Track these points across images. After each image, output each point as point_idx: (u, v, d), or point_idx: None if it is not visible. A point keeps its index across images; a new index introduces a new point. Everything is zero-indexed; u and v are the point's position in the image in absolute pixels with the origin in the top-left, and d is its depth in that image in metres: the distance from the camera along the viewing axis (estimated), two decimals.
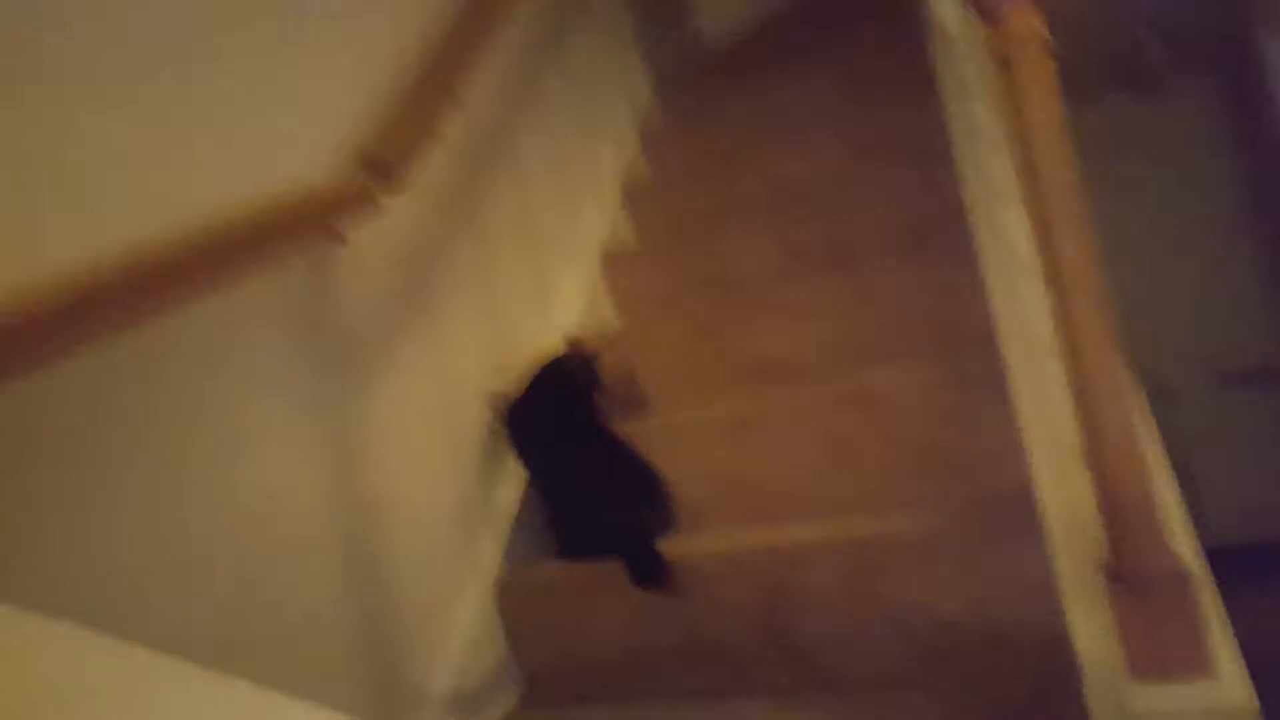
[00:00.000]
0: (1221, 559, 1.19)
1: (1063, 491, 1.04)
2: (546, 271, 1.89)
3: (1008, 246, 1.36)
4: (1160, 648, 0.78)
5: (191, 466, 0.98)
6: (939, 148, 1.75)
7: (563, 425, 1.50)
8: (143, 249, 0.90)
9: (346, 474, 1.21)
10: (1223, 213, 3.85)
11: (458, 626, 1.33)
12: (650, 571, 1.28)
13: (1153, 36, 3.29)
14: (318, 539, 1.13)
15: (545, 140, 2.00)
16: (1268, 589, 0.80)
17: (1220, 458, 3.54)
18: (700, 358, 1.72)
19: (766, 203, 2.04)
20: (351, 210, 1.21)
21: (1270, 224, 3.81)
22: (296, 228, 1.10)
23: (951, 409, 1.31)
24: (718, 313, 1.74)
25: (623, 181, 2.28)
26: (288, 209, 1.09)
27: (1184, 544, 0.85)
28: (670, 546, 1.33)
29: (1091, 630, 0.92)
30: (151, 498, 0.92)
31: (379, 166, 1.26)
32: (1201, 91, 3.84)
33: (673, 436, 1.53)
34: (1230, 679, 0.78)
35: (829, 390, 1.43)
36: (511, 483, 1.56)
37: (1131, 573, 0.81)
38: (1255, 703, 0.76)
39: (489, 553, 1.45)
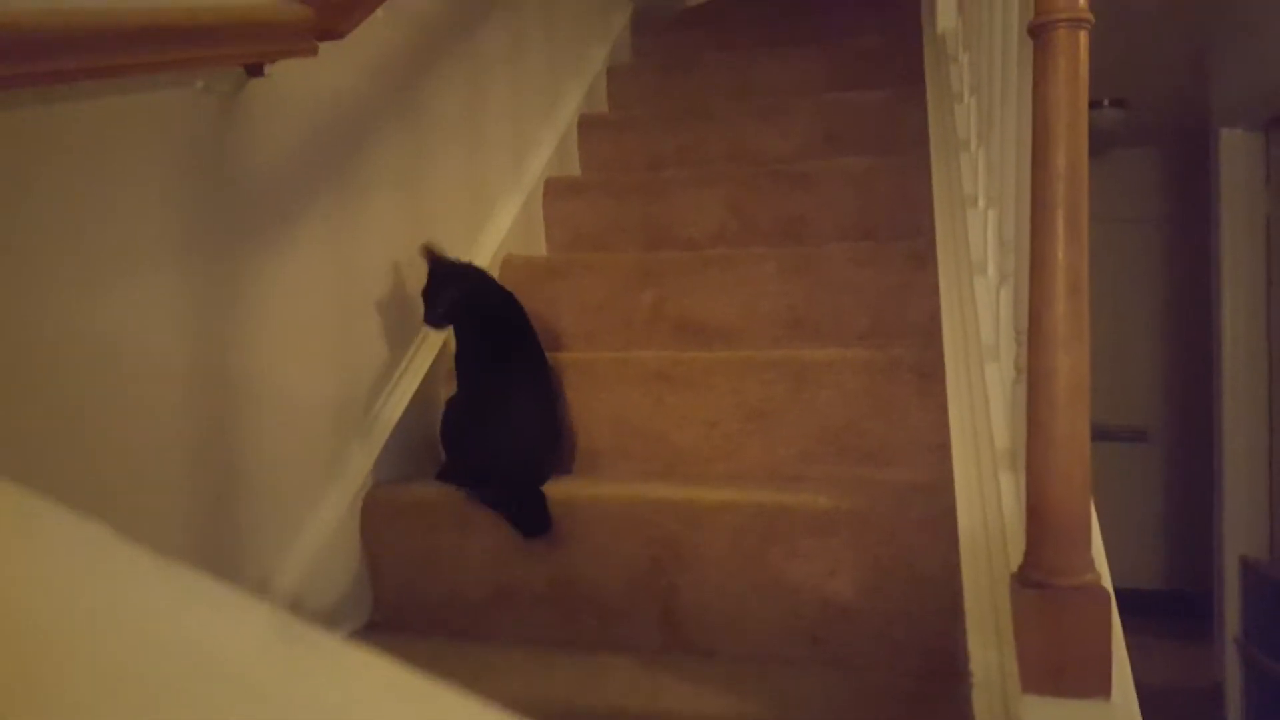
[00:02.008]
0: None
1: (982, 496, 1.00)
2: (485, 183, 1.76)
3: (965, 248, 1.32)
4: (1063, 662, 0.75)
5: (43, 286, 0.83)
6: (912, 141, 1.72)
7: (505, 345, 1.38)
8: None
9: (219, 342, 1.06)
10: (1133, 279, 4.04)
11: (310, 534, 1.21)
12: (535, 521, 1.20)
13: (1110, 103, 3.39)
14: (173, 404, 0.99)
15: (508, 47, 1.87)
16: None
17: None
18: (628, 304, 1.64)
19: (726, 164, 1.96)
20: (277, 39, 1.05)
21: (1176, 297, 4.01)
22: (213, 35, 0.95)
23: (880, 397, 1.28)
24: (655, 262, 1.66)
25: (581, 112, 2.17)
26: (207, 14, 0.94)
27: (1103, 564, 0.82)
28: (561, 488, 1.25)
29: (988, 635, 0.89)
30: None
31: (317, 1, 1.11)
32: (1141, 161, 4.01)
33: (586, 375, 1.44)
34: (1123, 702, 0.75)
35: (757, 356, 1.37)
36: (398, 394, 1.43)
37: (1048, 582, 0.77)
38: None
39: (358, 462, 1.32)
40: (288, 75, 1.13)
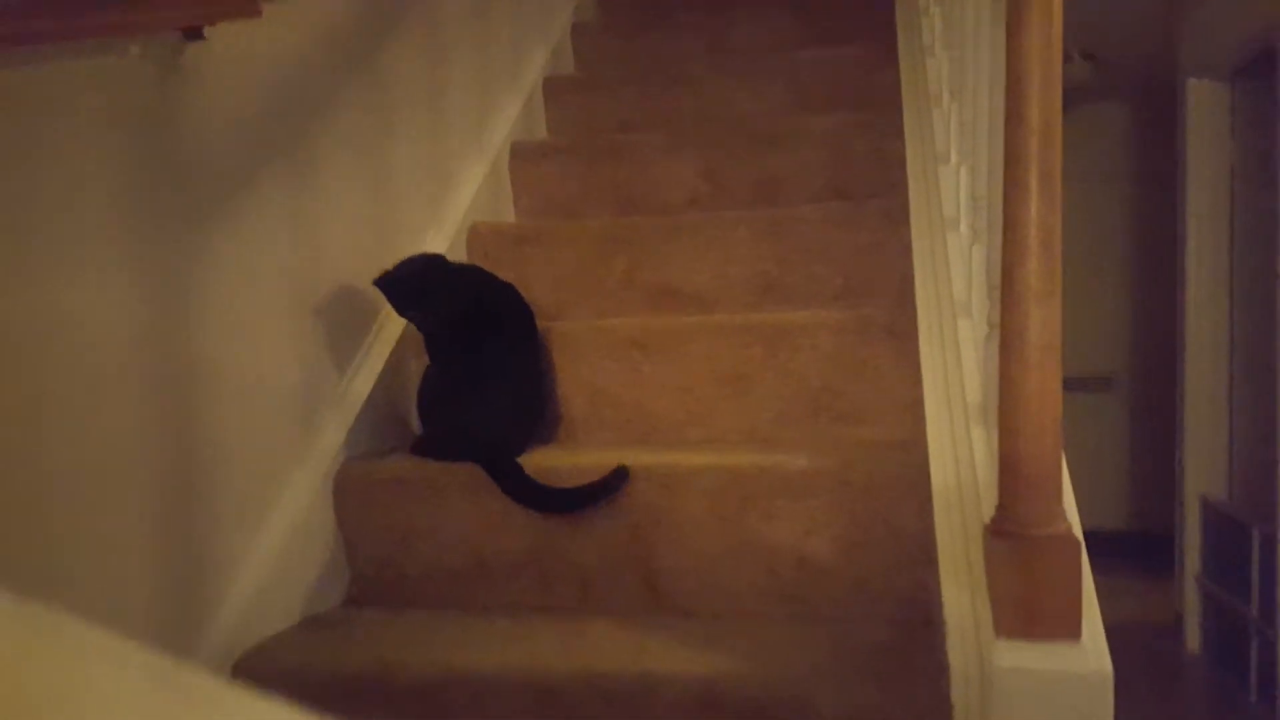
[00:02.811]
0: None
1: (955, 450, 1.02)
2: (448, 149, 1.72)
3: (938, 206, 1.32)
4: (1035, 608, 0.77)
5: None
6: (885, 100, 1.70)
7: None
8: None
9: (172, 323, 1.03)
10: (1101, 232, 4.08)
11: (282, 513, 1.19)
12: (521, 488, 1.19)
13: (1081, 56, 3.39)
14: (128, 390, 0.96)
15: (468, 4, 1.82)
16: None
17: None
18: (600, 271, 1.62)
19: (697, 125, 1.94)
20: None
21: (1143, 249, 4.07)
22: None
23: (854, 357, 1.28)
24: (627, 228, 1.64)
25: (547, 72, 2.12)
26: None
27: (1073, 513, 0.84)
28: (539, 458, 1.24)
29: (961, 585, 0.90)
30: None
31: None
32: (1110, 115, 4.03)
33: (560, 345, 1.43)
34: (1092, 645, 0.77)
35: (731, 321, 1.37)
36: (368, 367, 1.41)
37: (1020, 532, 0.78)
38: (1110, 668, 0.76)
39: (329, 439, 1.30)
40: (231, 39, 1.09)
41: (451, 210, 1.69)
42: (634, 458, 1.21)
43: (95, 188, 0.93)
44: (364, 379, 1.40)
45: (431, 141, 1.66)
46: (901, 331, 1.26)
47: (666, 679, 0.96)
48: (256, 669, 1.06)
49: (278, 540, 1.17)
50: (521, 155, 1.90)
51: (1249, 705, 2.52)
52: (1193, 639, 2.94)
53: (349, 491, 1.28)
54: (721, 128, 1.83)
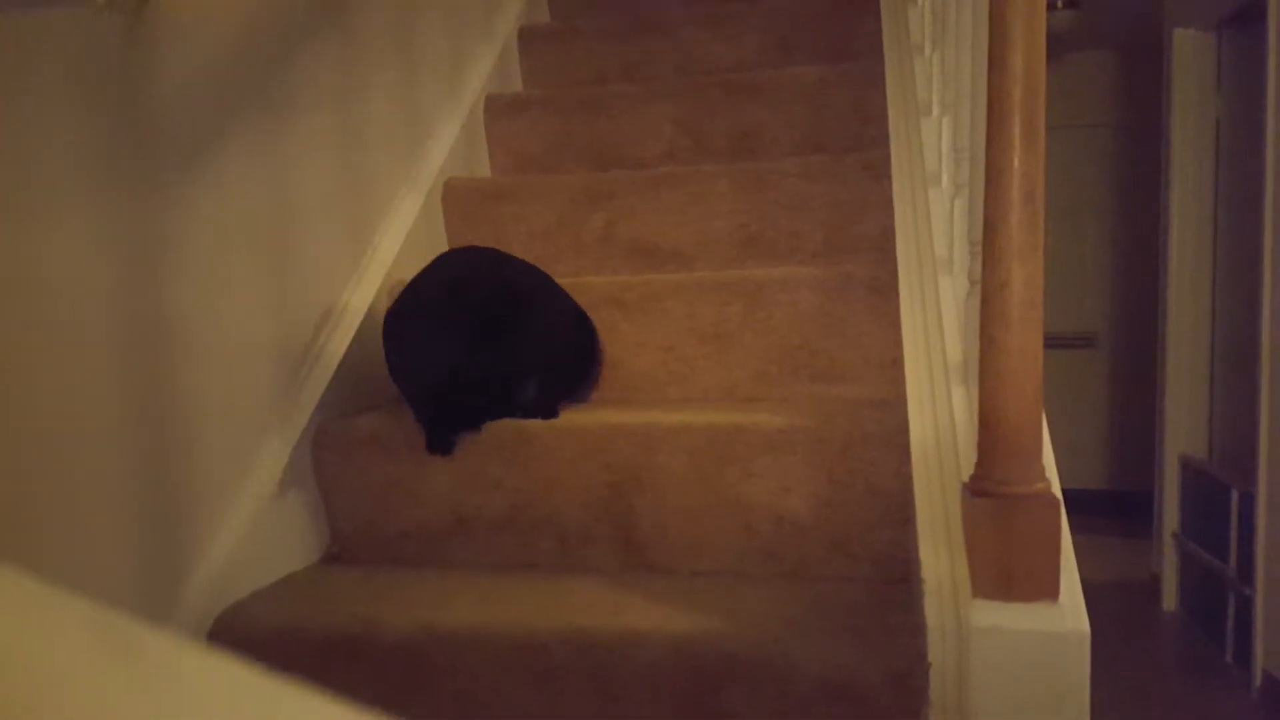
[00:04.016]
0: None
1: (935, 408, 1.01)
2: (421, 101, 1.67)
3: (919, 159, 1.30)
4: (1012, 568, 0.77)
5: None
6: (867, 46, 1.67)
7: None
8: None
9: (144, 282, 1.00)
10: (1084, 185, 4.07)
11: (260, 473, 1.18)
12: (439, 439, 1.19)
13: (1065, 3, 3.33)
14: (101, 347, 0.94)
15: None
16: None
17: None
18: (578, 227, 1.59)
19: (674, 76, 1.89)
20: None
21: (1127, 203, 4.06)
22: None
23: (834, 314, 1.27)
24: (604, 183, 1.60)
25: (520, 21, 2.06)
26: None
27: (1053, 472, 0.83)
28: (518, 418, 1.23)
29: (939, 544, 0.90)
30: None
31: None
32: (1095, 65, 3.98)
33: None
34: (1070, 604, 0.77)
35: (710, 278, 1.35)
36: (345, 322, 1.39)
37: (998, 491, 0.78)
38: (1088, 628, 0.76)
39: (306, 397, 1.28)
40: None
41: (425, 165, 1.65)
42: (613, 417, 1.19)
43: (62, 142, 0.89)
44: (342, 334, 1.38)
45: (404, 93, 1.61)
46: (882, 288, 1.24)
47: (646, 635, 0.96)
48: (234, 627, 1.05)
49: (256, 499, 1.16)
50: (496, 108, 1.85)
51: (1224, 664, 2.57)
52: (1169, 598, 2.99)
53: (327, 450, 1.26)
54: (698, 79, 1.79)
